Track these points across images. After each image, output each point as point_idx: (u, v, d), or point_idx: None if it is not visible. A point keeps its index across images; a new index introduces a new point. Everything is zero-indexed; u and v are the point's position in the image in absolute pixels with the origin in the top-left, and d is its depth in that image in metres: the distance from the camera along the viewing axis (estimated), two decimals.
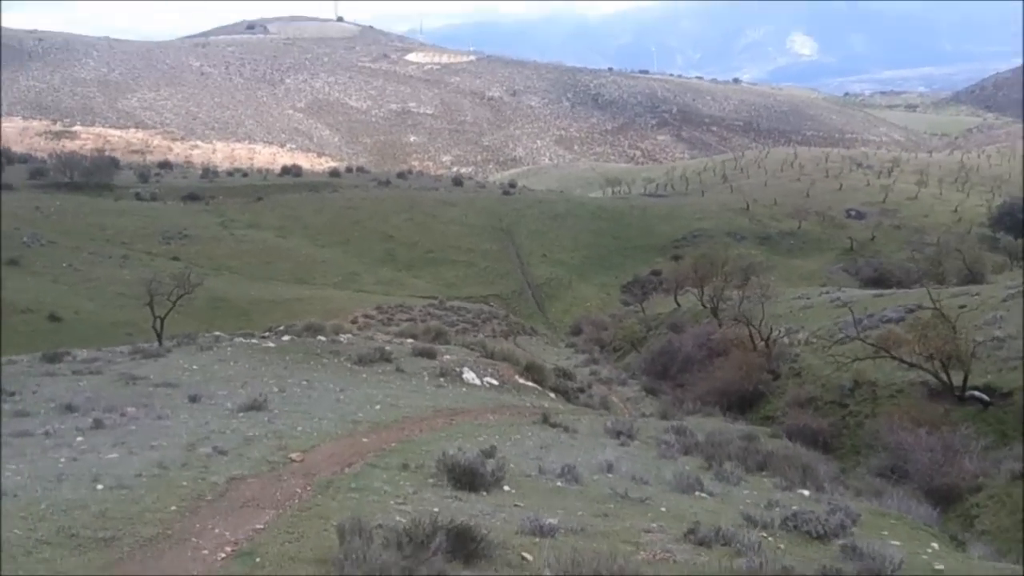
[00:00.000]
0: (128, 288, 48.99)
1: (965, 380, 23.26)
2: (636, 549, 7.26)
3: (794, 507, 10.26)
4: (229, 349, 24.08)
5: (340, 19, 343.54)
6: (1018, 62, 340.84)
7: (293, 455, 10.69)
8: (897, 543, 9.26)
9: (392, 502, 8.33)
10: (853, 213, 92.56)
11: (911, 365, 24.38)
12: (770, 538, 8.35)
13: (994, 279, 51.89)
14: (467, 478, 9.41)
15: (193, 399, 15.81)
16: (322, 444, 11.85)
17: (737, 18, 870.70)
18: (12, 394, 15.92)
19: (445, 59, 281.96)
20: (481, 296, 65.14)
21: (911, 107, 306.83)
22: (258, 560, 6.14)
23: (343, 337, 27.50)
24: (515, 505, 8.94)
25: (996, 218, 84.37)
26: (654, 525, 8.65)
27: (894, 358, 24.84)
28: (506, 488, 9.77)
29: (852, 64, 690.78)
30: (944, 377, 23.47)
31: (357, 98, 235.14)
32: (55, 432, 11.77)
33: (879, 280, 65.28)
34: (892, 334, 28.43)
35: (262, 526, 7.14)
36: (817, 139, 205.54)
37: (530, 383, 27.00)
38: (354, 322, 46.09)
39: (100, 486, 8.12)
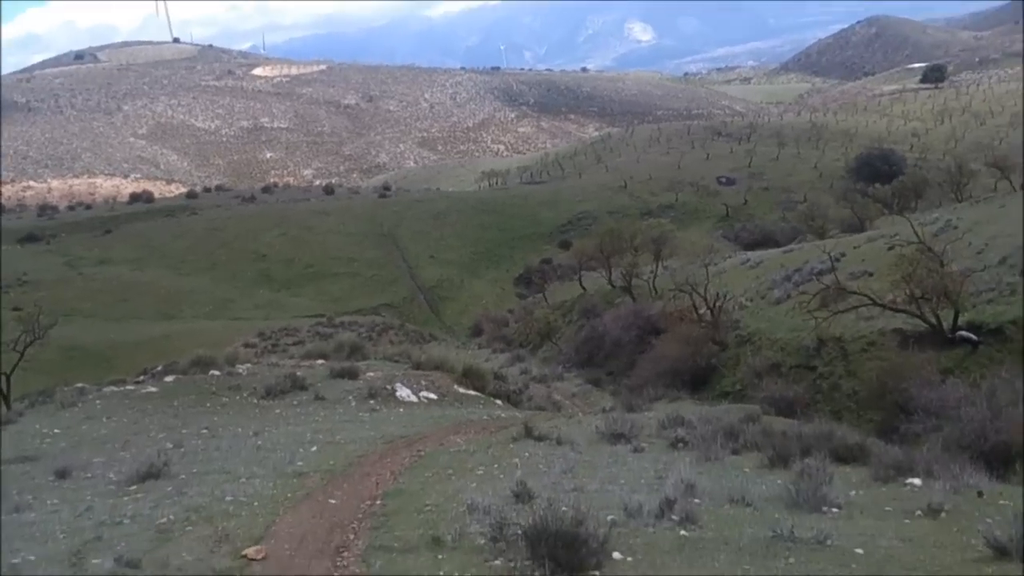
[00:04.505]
0: None
1: (955, 319, 21.04)
2: None
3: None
4: (98, 403, 19.57)
5: (176, 40, 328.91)
6: (835, 28, 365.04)
7: (248, 551, 6.69)
8: None
9: None
10: (724, 180, 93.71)
11: (898, 310, 22.01)
12: None
13: (877, 226, 52.04)
14: (566, 552, 5.68)
15: (61, 474, 11.80)
16: (277, 520, 7.94)
17: (576, 11, 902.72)
18: None
19: (294, 71, 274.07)
20: (371, 308, 60.84)
21: (746, 80, 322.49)
22: None
23: (241, 368, 23.05)
24: None
25: (855, 169, 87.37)
26: None
27: (881, 305, 22.44)
28: (616, 555, 6.12)
29: (687, 45, 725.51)
30: (933, 319, 21.18)
31: (204, 118, 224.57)
32: None
33: (761, 242, 65.56)
34: (836, 285, 26.39)
35: None
36: (668, 117, 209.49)
37: (471, 391, 23.44)
38: (247, 346, 41.19)
39: None
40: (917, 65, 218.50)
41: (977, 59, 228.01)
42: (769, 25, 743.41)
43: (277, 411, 18.56)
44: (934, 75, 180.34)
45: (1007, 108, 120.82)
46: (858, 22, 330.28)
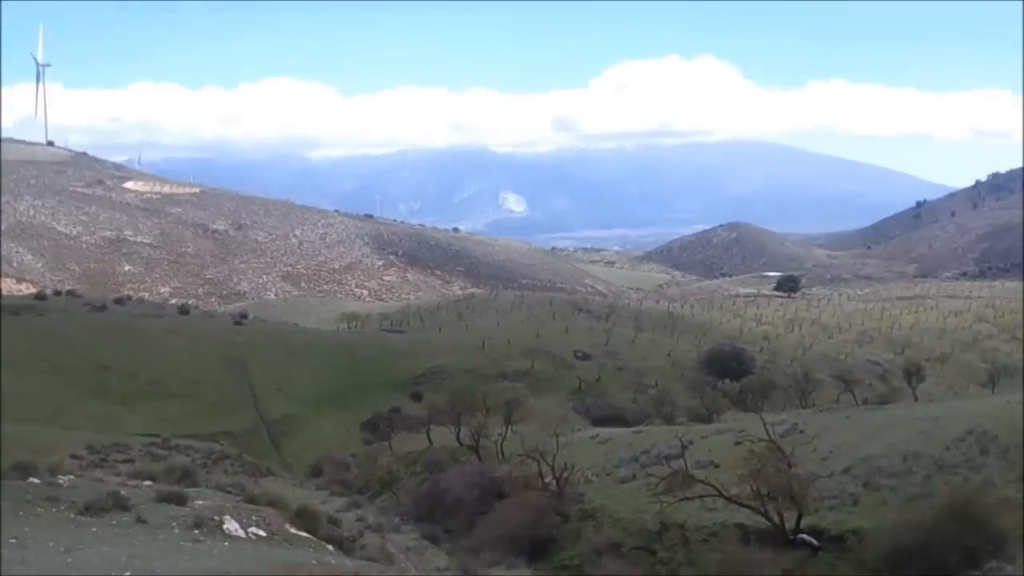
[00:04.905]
0: None
1: (799, 521, 21.70)
2: None
3: None
4: None
5: (51, 143, 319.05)
6: (698, 228, 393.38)
7: None
8: None
9: None
10: (580, 354, 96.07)
11: (743, 505, 22.71)
12: None
13: (724, 419, 53.99)
14: None
15: None
16: None
17: (454, 173, 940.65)
18: None
19: (167, 189, 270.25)
20: (209, 434, 58.07)
21: (610, 263, 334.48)
22: None
23: (63, 479, 21.70)
24: None
25: (706, 362, 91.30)
26: None
27: (726, 498, 23.09)
28: None
29: (557, 221, 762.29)
30: (776, 518, 21.95)
31: (66, 223, 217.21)
32: None
33: (611, 419, 66.65)
34: (684, 471, 27.29)
35: None
36: (532, 286, 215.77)
37: (303, 533, 22.71)
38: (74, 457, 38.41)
39: None
40: (772, 273, 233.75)
41: (829, 276, 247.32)
42: (636, 216, 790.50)
43: (94, 529, 17.49)
44: (788, 284, 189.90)
45: (854, 326, 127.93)
46: (720, 225, 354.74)
